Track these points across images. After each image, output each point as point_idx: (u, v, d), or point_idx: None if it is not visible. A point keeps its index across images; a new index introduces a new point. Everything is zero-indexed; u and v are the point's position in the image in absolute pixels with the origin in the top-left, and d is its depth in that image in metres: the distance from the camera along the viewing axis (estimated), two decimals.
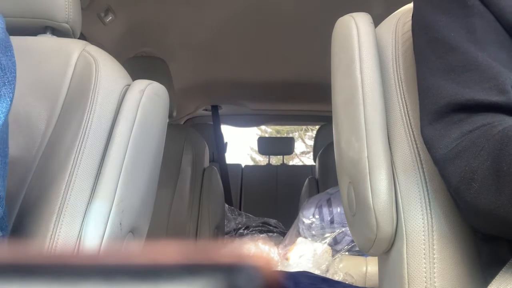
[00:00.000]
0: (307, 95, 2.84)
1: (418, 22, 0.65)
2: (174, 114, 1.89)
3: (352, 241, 1.69)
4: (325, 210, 1.84)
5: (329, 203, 1.87)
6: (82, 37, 1.53)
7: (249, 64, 2.45)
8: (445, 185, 0.58)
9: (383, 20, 0.79)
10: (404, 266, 0.63)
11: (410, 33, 0.69)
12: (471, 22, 0.57)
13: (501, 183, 0.47)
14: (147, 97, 0.80)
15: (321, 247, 1.69)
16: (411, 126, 0.67)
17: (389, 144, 0.68)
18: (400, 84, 0.70)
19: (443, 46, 0.59)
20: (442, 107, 0.56)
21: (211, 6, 1.87)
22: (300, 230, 1.87)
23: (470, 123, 0.54)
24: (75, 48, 0.84)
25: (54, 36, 0.89)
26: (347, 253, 1.69)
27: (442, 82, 0.57)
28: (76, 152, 0.73)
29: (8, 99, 0.57)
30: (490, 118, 0.53)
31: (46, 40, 0.87)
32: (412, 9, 0.68)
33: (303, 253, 1.68)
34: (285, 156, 4.14)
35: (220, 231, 2.12)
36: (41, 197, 0.71)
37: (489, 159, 0.49)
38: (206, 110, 3.17)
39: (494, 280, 0.54)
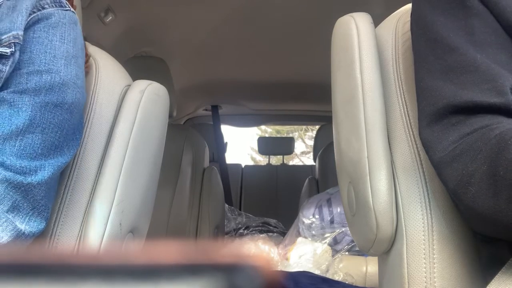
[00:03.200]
0: (307, 95, 2.84)
1: (416, 21, 0.64)
2: (174, 114, 1.89)
3: (352, 241, 1.69)
4: (325, 210, 1.84)
5: (329, 203, 1.87)
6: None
7: (249, 64, 2.45)
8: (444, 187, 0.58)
9: (383, 20, 0.78)
10: (404, 266, 0.63)
11: (410, 33, 0.69)
12: (470, 22, 0.57)
13: (498, 188, 0.47)
14: (147, 97, 0.80)
15: (321, 247, 1.69)
16: (411, 126, 0.67)
17: (389, 144, 0.68)
18: (400, 84, 0.70)
19: (442, 47, 0.58)
20: (440, 109, 0.56)
21: (211, 6, 1.87)
22: (300, 230, 1.87)
23: (468, 125, 0.54)
24: None
25: None
26: (347, 253, 1.69)
27: (441, 83, 0.57)
28: (76, 152, 0.73)
29: (72, 152, 0.68)
30: (488, 120, 0.53)
31: None
32: (411, 8, 0.67)
33: (303, 253, 1.68)
34: (285, 156, 4.14)
35: (220, 231, 2.12)
36: None
37: (486, 163, 0.49)
38: (206, 110, 3.17)
39: (493, 280, 0.54)
